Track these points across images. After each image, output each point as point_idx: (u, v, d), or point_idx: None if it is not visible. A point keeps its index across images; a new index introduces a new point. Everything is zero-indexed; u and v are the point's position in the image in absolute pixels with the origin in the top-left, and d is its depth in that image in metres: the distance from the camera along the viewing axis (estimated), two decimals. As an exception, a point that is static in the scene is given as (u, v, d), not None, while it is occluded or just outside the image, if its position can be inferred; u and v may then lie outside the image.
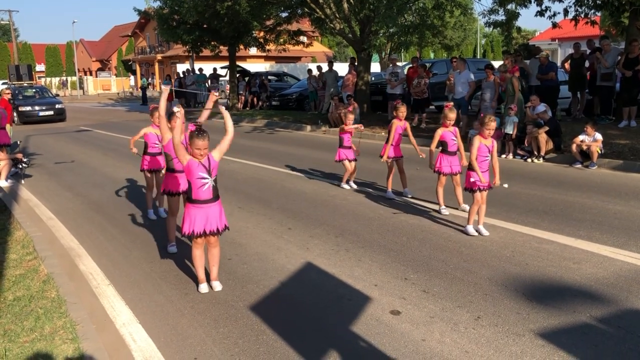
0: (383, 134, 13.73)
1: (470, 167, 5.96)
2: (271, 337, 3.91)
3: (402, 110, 7.64)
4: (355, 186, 8.47)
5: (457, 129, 6.77)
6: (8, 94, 12.01)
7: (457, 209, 6.95)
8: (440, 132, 6.75)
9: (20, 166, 9.97)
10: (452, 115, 6.64)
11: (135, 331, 4.06)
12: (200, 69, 25.94)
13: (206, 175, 4.46)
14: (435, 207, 7.05)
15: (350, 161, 8.34)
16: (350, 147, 8.35)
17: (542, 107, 10.61)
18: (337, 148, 8.43)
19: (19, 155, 9.98)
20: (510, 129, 10.77)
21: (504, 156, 10.73)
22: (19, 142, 12.06)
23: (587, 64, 13.60)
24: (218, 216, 4.57)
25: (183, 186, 5.48)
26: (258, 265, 5.34)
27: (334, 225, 6.58)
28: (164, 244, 5.92)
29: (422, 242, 5.84)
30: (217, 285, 4.75)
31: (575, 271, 4.90)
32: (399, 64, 18.37)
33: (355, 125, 8.45)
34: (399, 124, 7.63)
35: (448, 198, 7.04)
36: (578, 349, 3.60)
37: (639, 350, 3.58)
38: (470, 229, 6.00)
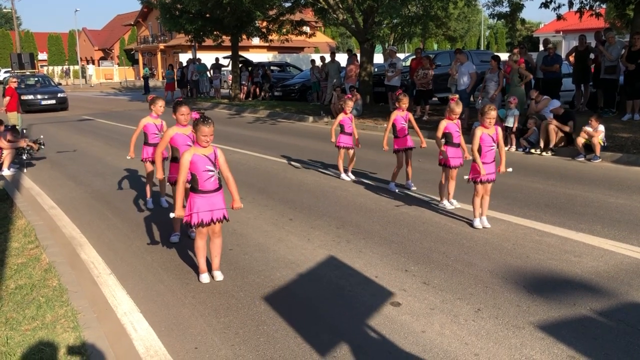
0: (386, 125, 13.67)
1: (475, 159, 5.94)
2: (271, 327, 3.93)
3: (405, 102, 7.61)
4: (353, 177, 8.46)
5: (459, 121, 6.70)
6: (15, 82, 12.02)
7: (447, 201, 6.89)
8: (444, 123, 6.67)
9: (25, 156, 9.97)
10: (458, 109, 6.56)
11: (136, 320, 4.08)
12: (199, 59, 25.80)
13: (212, 168, 4.51)
14: (438, 199, 7.04)
15: (347, 149, 8.36)
16: (351, 134, 8.36)
17: (556, 102, 10.47)
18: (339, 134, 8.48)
19: (22, 143, 9.93)
20: (511, 122, 10.72)
21: (505, 149, 10.69)
22: (24, 130, 12.07)
23: (591, 56, 13.53)
24: (222, 204, 4.62)
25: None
26: (259, 255, 5.35)
27: (335, 216, 6.58)
28: (165, 233, 5.94)
29: (423, 234, 5.84)
30: (219, 275, 4.77)
31: (576, 264, 4.90)
32: (399, 55, 18.27)
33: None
34: (400, 114, 7.60)
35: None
36: (578, 342, 3.61)
37: (639, 343, 3.58)
38: (477, 222, 5.99)
